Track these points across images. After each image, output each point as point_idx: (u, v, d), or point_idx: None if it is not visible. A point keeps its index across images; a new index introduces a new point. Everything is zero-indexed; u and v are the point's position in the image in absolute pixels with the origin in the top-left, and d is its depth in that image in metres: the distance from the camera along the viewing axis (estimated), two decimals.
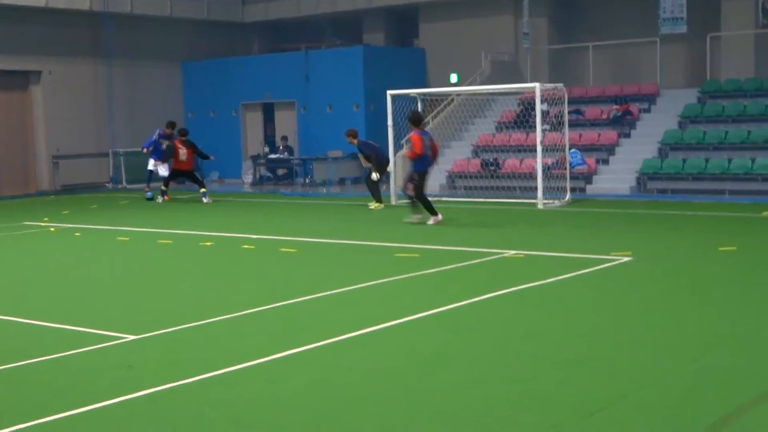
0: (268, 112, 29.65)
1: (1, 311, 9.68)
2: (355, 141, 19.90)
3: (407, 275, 11.18)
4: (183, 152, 22.37)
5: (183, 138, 22.51)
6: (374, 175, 19.63)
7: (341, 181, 26.42)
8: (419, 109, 21.31)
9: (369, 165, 19.82)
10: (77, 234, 16.60)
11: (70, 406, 6.34)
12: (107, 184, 28.09)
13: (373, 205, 19.70)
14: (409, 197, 16.40)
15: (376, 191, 19.74)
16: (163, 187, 22.77)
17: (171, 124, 23.02)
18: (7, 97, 26.67)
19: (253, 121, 29.85)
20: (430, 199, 16.70)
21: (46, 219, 19.06)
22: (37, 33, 26.72)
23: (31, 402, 6.54)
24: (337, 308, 9.55)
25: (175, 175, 22.85)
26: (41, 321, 9.17)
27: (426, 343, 7.95)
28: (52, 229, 17.39)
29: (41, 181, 27.34)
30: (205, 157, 23.32)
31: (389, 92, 21.12)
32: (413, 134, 16.32)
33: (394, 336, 8.24)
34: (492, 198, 20.77)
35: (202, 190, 22.39)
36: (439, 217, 16.18)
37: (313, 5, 29.75)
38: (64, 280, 11.88)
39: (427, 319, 8.79)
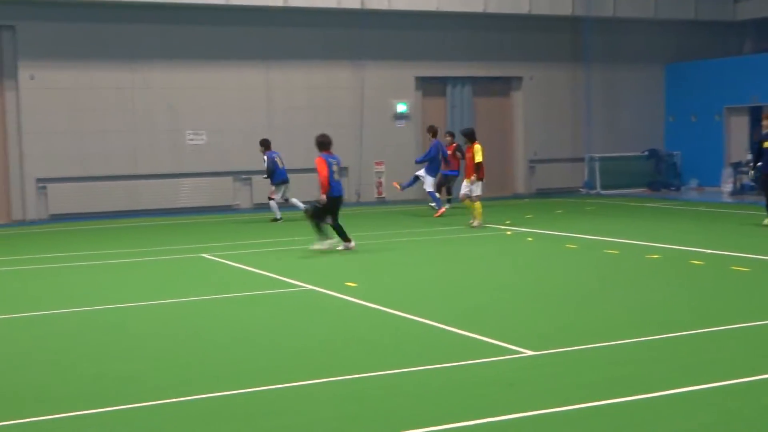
0: (755, 116, 27.47)
1: (422, 314, 9.80)
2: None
3: None
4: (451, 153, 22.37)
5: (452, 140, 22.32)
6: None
7: None
8: None
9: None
10: (529, 239, 16.58)
11: (430, 422, 6.14)
12: (581, 189, 27.96)
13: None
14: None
15: None
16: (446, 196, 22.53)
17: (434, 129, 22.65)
18: (489, 102, 27.69)
19: (738, 126, 27.83)
20: None
21: (508, 222, 19.35)
22: (520, 39, 27.37)
23: (398, 413, 6.44)
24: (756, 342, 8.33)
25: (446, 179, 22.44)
26: (450, 326, 9.13)
27: None
28: (508, 233, 17.60)
29: (517, 184, 28.00)
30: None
31: None
32: (317, 158, 14.85)
33: None
34: None
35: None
36: (324, 246, 14.81)
37: None
38: (490, 286, 11.82)
39: None
